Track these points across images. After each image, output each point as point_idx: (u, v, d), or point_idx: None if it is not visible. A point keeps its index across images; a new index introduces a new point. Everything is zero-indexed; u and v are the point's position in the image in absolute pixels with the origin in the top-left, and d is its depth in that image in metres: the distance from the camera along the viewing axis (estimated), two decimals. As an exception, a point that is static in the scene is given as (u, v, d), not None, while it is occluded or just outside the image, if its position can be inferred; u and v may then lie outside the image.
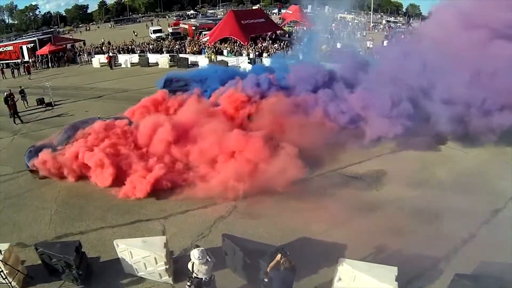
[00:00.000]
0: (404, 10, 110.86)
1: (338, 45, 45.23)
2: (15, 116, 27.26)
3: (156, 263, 11.00)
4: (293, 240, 13.33)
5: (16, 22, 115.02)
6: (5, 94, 27.92)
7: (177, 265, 12.07)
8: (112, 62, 46.09)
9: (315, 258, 12.36)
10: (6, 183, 18.33)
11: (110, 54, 48.04)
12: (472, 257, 12.27)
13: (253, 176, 16.02)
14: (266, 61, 40.77)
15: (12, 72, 46.10)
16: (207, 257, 9.77)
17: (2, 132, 25.76)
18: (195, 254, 9.69)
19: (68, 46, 55.63)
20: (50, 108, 30.44)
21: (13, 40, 63.10)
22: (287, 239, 13.21)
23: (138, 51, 49.93)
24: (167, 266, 10.99)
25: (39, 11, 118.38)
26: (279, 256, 9.49)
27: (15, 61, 51.68)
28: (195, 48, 49.06)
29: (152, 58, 47.26)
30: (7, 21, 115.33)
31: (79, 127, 19.22)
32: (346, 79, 23.06)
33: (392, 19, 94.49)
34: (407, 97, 20.28)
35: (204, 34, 58.35)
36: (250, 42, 49.64)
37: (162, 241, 11.13)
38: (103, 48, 52.81)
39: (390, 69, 21.52)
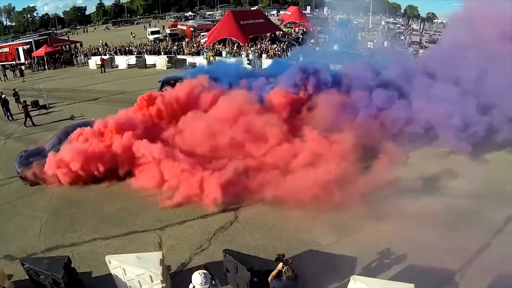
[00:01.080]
0: (402, 11, 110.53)
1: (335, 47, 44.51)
2: (27, 118, 26.40)
3: (152, 281, 10.07)
4: (299, 253, 12.47)
5: (14, 23, 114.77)
6: (3, 96, 27.75)
7: (174, 281, 11.18)
8: (105, 65, 44.85)
9: (324, 274, 11.53)
10: (-4, 189, 17.52)
11: (103, 56, 47.22)
12: None
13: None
14: (266, 62, 40.06)
15: (5, 75, 45.25)
16: (212, 282, 8.54)
17: (-6, 135, 24.93)
18: (197, 279, 8.36)
19: (65, 47, 54.79)
20: (45, 110, 29.65)
21: (10, 41, 62.33)
22: (293, 252, 12.31)
23: (136, 53, 49.18)
24: (163, 285, 10.07)
25: (37, 13, 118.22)
26: (280, 265, 8.69)
27: (10, 62, 51.02)
28: (193, 49, 48.25)
29: (150, 59, 46.56)
30: (5, 23, 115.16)
31: (71, 132, 18.27)
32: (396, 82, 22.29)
33: (391, 20, 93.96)
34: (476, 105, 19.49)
35: (203, 35, 57.57)
36: (249, 43, 48.86)
37: (158, 258, 10.20)
38: (100, 49, 52.05)
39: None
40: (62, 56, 51.13)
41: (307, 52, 34.87)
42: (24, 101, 26.97)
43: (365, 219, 13.88)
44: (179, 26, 70.92)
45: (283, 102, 20.59)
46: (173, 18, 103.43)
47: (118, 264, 10.16)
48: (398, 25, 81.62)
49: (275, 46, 47.59)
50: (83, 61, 49.59)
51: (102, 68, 44.08)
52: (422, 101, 20.12)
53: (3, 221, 15.05)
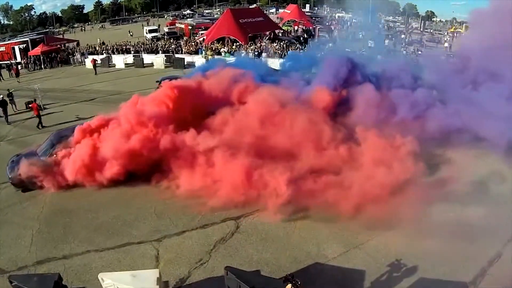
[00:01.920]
0: (401, 9, 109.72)
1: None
2: (39, 119, 25.63)
3: (148, 302, 9.36)
4: (305, 266, 11.79)
5: (11, 22, 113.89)
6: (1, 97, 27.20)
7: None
8: (96, 66, 43.25)
9: (332, 290, 10.81)
10: (-14, 196, 16.83)
11: (94, 57, 46.01)
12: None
13: None
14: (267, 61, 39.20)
15: (0, 75, 44.31)
16: None
17: (-13, 138, 24.22)
18: None
19: (62, 46, 54.09)
20: (39, 111, 28.73)
21: (7, 40, 61.58)
22: (298, 265, 11.76)
23: (133, 51, 48.47)
24: (160, 306, 9.37)
25: (35, 12, 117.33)
26: (289, 286, 7.92)
27: (6, 62, 50.34)
28: (191, 48, 47.48)
29: (147, 58, 45.81)
30: (2, 22, 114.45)
31: (65, 135, 17.59)
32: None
33: (390, 18, 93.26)
34: None
35: (201, 34, 56.83)
36: (249, 42, 48.14)
37: (154, 276, 9.47)
38: (97, 48, 51.32)
39: None
40: (59, 55, 50.30)
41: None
42: (34, 100, 26.29)
43: (373, 229, 13.24)
44: (177, 25, 70.21)
45: (328, 101, 19.53)
46: (171, 16, 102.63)
47: (112, 283, 9.45)
48: (397, 24, 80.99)
49: (275, 44, 46.85)
50: (80, 60, 48.81)
51: (95, 69, 42.65)
52: (467, 104, 19.43)
53: (-7, 230, 14.30)
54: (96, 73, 41.94)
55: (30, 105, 26.97)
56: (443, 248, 12.18)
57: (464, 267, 11.54)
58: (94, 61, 43.21)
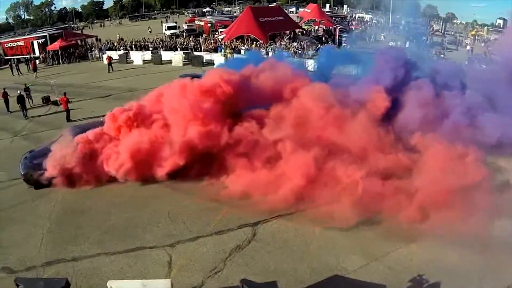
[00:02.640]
0: (421, 10, 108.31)
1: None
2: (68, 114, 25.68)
3: (159, 313, 8.82)
4: (323, 279, 11.14)
5: (31, 17, 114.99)
6: (18, 92, 27.15)
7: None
8: (112, 64, 42.23)
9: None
10: (-2, 192, 16.58)
11: (110, 53, 45.44)
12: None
13: None
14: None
15: (18, 69, 44.34)
16: None
17: (2, 132, 24.41)
18: None
19: (80, 42, 54.13)
20: (55, 107, 28.73)
21: (26, 35, 61.85)
22: (316, 277, 11.11)
23: (151, 48, 48.14)
24: (172, 318, 8.80)
25: (55, 7, 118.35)
26: None
27: (25, 56, 50.56)
28: (210, 46, 47.00)
29: (166, 55, 45.42)
30: (23, 17, 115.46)
31: (78, 132, 17.17)
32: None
33: (411, 20, 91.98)
34: None
35: (220, 32, 56.38)
36: (269, 41, 47.56)
37: (166, 286, 8.90)
38: (116, 44, 51.19)
39: None
40: (77, 51, 50.26)
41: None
42: (64, 93, 25.95)
43: (394, 240, 12.66)
44: (196, 22, 69.92)
45: (386, 104, 18.43)
46: (191, 13, 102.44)
47: (121, 292, 8.93)
48: (418, 25, 79.74)
49: (295, 44, 46.18)
50: (98, 56, 48.67)
51: (110, 67, 41.57)
52: None
53: (3, 228, 13.99)
54: (109, 71, 41.12)
55: (59, 98, 26.71)
56: (469, 264, 11.49)
57: (485, 283, 10.87)
58: (110, 58, 42.32)
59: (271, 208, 14.14)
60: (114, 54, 46.29)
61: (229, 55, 41.35)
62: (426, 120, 17.64)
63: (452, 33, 71.93)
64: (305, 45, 45.35)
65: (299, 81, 18.55)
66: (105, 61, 42.91)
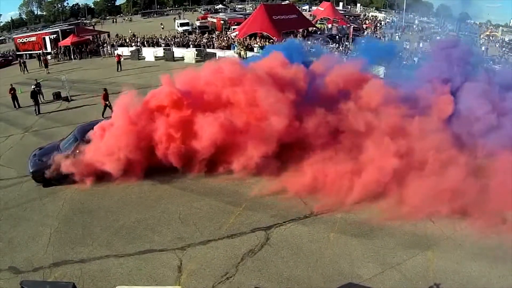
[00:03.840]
0: (434, 10, 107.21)
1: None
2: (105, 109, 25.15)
3: (168, 321, 8.45)
4: (338, 286, 10.72)
5: (44, 13, 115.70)
6: (32, 87, 27.15)
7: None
8: (121, 62, 40.70)
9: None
10: (7, 189, 16.45)
11: (120, 51, 44.91)
12: None
13: None
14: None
15: (25, 67, 43.83)
16: None
17: (13, 128, 24.22)
18: None
19: (91, 38, 54.14)
20: (66, 103, 28.58)
21: (38, 31, 62.04)
22: (330, 285, 10.71)
23: (164, 45, 47.88)
24: (181, 327, 8.43)
25: (67, 3, 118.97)
26: None
27: (37, 52, 50.64)
28: (223, 43, 46.57)
29: (178, 52, 44.99)
30: (35, 12, 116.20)
31: (89, 130, 16.81)
32: None
33: (425, 19, 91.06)
34: None
35: (234, 29, 56.01)
36: (283, 39, 47.08)
37: (176, 294, 8.56)
38: (128, 40, 51.05)
39: None
40: (89, 47, 50.18)
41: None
42: (105, 89, 25.49)
43: (410, 247, 12.26)
44: (209, 19, 69.59)
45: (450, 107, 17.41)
46: (203, 10, 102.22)
47: (130, 298, 8.56)
48: (432, 25, 78.84)
49: (309, 42, 45.66)
50: (110, 52, 48.42)
51: (119, 66, 40.05)
52: None
53: (11, 227, 13.82)
54: (118, 70, 39.90)
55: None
56: (486, 273, 11.18)
57: None
58: (119, 57, 41.16)
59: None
60: (126, 50, 46.09)
61: (242, 53, 40.86)
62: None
63: (466, 33, 70.99)
64: (319, 44, 44.81)
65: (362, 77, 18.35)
66: (115, 59, 42.44)
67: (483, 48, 51.24)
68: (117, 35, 55.95)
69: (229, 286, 10.71)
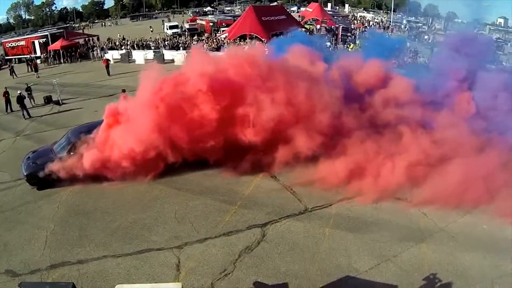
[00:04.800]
0: (422, 10, 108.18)
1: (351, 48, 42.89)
2: None
3: (169, 318, 8.51)
4: (335, 280, 10.87)
5: (32, 17, 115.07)
6: (18, 92, 26.81)
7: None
8: (109, 66, 40.04)
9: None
10: (1, 193, 16.42)
11: (106, 57, 44.45)
12: None
13: None
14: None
15: (13, 72, 42.99)
16: None
17: (5, 132, 24.09)
18: None
19: (81, 41, 53.92)
20: (58, 106, 28.52)
21: (27, 35, 61.66)
22: (328, 278, 10.84)
23: (153, 47, 47.84)
24: (182, 323, 8.47)
25: (55, 7, 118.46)
26: None
27: (26, 56, 50.33)
28: (213, 45, 46.64)
29: (168, 54, 45.03)
30: (23, 17, 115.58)
31: (83, 133, 16.83)
32: None
33: (412, 19, 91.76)
34: None
35: (223, 31, 56.12)
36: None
37: (176, 289, 8.61)
38: (117, 43, 50.94)
39: None
40: (78, 50, 49.96)
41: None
42: (123, 90, 25.34)
43: (404, 240, 12.49)
44: (198, 21, 69.60)
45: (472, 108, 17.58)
46: (192, 13, 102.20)
47: (130, 297, 8.62)
48: (420, 24, 79.41)
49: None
50: (100, 55, 48.27)
51: (108, 70, 39.45)
52: None
53: (6, 230, 13.76)
54: (109, 74, 39.30)
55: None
56: (479, 263, 11.44)
57: (500, 284, 10.62)
58: (107, 61, 40.87)
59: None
60: (116, 54, 46.01)
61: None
62: None
63: (453, 31, 71.59)
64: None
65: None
66: (110, 59, 42.58)
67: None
68: (108, 38, 55.76)
69: (227, 282, 10.80)
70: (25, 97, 26.95)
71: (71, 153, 16.06)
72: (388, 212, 13.96)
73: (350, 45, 43.61)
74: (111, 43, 51.81)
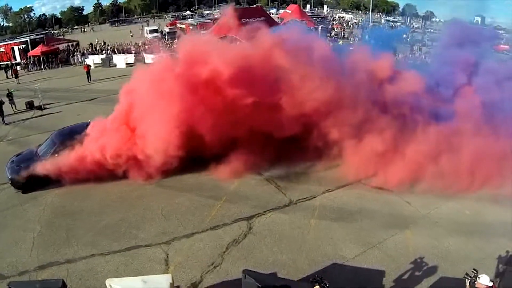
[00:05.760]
0: (400, 10, 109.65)
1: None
2: None
3: (160, 309, 8.63)
4: (323, 267, 11.16)
5: (11, 24, 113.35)
6: None
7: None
8: (90, 72, 39.25)
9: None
10: (-14, 197, 16.19)
11: (87, 62, 44.07)
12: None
13: None
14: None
15: None
16: None
17: (-13, 138, 23.60)
18: None
19: (62, 47, 53.46)
20: (40, 111, 28.26)
21: (7, 41, 60.95)
22: (316, 267, 11.14)
23: (134, 51, 47.97)
24: (173, 313, 8.63)
25: (34, 14, 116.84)
26: None
27: (6, 63, 49.70)
28: (194, 47, 46.70)
29: (149, 58, 44.82)
30: (1, 24, 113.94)
31: (67, 135, 16.86)
32: None
33: (391, 18, 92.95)
34: None
35: (203, 34, 56.08)
36: (252, 42, 47.46)
37: (167, 281, 8.73)
38: (97, 48, 50.69)
39: None
40: (59, 56, 49.56)
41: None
42: None
43: (389, 227, 12.96)
44: (177, 25, 69.51)
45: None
46: (171, 17, 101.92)
47: (121, 290, 8.73)
48: (398, 23, 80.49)
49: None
50: (80, 60, 47.99)
51: (88, 76, 38.61)
52: None
53: (-8, 233, 13.63)
54: (90, 79, 38.57)
55: None
56: (463, 247, 11.96)
57: (485, 264, 10.95)
58: (88, 67, 40.07)
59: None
60: (97, 58, 45.90)
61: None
62: None
63: (432, 30, 72.67)
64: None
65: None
66: (91, 64, 42.42)
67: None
68: (91, 44, 55.54)
69: (216, 274, 11.00)
70: (3, 103, 26.60)
71: (56, 155, 16.02)
72: (372, 201, 14.41)
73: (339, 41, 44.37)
74: (92, 48, 51.45)
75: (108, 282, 8.89)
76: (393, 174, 15.01)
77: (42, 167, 15.50)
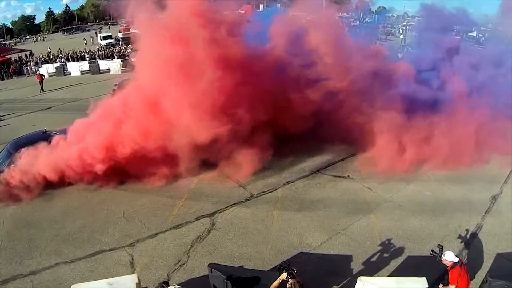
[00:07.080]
0: (354, 6, 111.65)
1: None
2: None
3: (128, 309, 8.63)
4: (290, 257, 11.38)
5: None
6: None
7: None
8: (43, 82, 37.45)
9: (323, 277, 10.57)
10: None
11: (40, 72, 42.52)
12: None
13: None
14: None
15: None
16: None
17: None
18: None
19: (14, 57, 51.94)
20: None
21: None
22: (282, 257, 11.32)
23: (88, 58, 47.25)
24: (141, 312, 8.66)
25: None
26: (284, 275, 7.41)
27: None
28: (152, 51, 46.31)
29: (103, 64, 44.79)
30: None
31: (23, 144, 16.52)
32: None
33: (344, 14, 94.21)
34: None
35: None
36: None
37: (133, 282, 8.72)
38: (51, 57, 49.61)
39: None
40: (12, 66, 48.12)
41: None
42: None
43: (352, 213, 13.40)
44: (131, 30, 68.73)
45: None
46: (125, 23, 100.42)
47: (86, 294, 8.70)
48: (351, 19, 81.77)
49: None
50: (34, 70, 46.64)
51: (41, 85, 36.99)
52: None
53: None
54: (43, 89, 36.88)
55: None
56: (427, 225, 12.52)
57: (449, 241, 11.56)
58: (41, 76, 38.44)
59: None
60: (51, 67, 44.92)
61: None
62: None
63: (385, 25, 74.48)
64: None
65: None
66: (45, 73, 41.36)
67: (401, 36, 54.67)
68: (49, 52, 54.43)
69: (183, 272, 11.09)
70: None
71: (11, 166, 15.70)
72: (333, 190, 14.84)
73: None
74: (46, 57, 50.31)
75: (73, 287, 8.84)
76: None
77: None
